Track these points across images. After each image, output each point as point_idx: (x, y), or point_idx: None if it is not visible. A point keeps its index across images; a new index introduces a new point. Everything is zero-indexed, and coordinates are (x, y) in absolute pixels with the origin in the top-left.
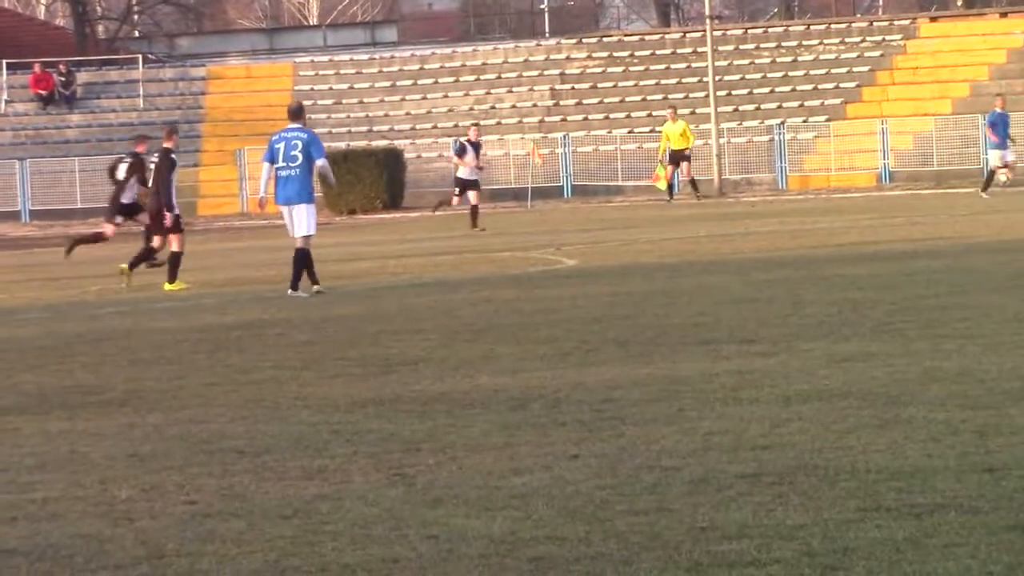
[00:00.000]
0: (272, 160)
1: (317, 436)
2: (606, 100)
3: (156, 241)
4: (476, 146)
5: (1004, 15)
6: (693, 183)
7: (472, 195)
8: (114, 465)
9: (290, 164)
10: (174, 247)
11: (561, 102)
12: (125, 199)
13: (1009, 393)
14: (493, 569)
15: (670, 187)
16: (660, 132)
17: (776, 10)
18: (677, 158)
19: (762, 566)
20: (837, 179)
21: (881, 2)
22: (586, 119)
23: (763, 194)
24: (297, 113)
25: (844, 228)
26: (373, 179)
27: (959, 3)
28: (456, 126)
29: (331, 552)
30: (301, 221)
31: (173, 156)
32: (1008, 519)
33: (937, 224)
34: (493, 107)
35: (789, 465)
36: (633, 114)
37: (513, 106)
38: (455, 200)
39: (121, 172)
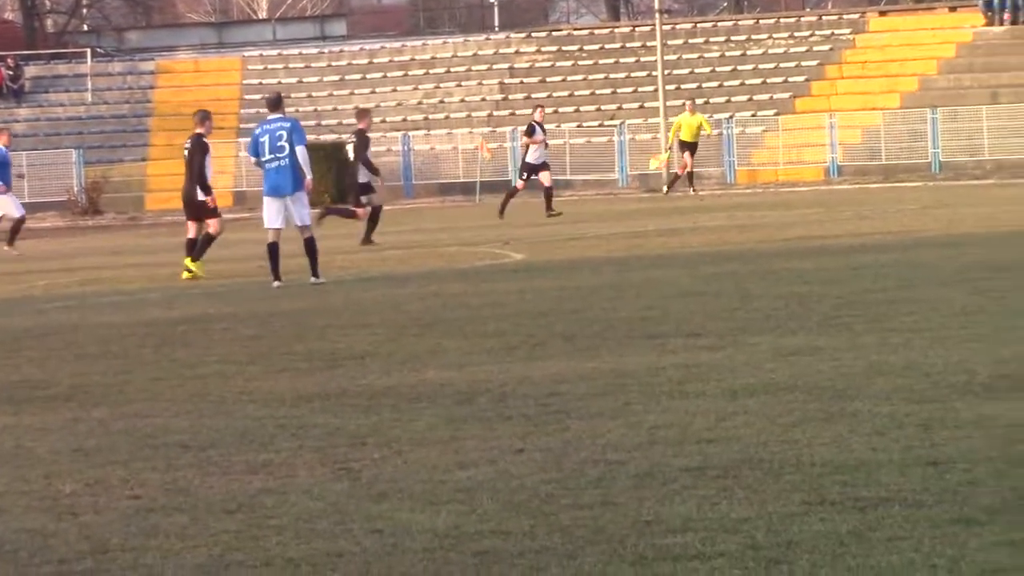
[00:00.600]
0: (257, 154)
1: (262, 430)
2: (555, 94)
3: (211, 226)
4: (541, 127)
5: (953, 9)
6: (691, 177)
7: (545, 176)
8: (59, 460)
9: (278, 155)
10: (211, 230)
11: (510, 96)
12: (361, 178)
13: (955, 387)
14: (437, 563)
15: (681, 178)
16: (672, 122)
17: (725, 4)
18: (686, 148)
19: (707, 559)
20: (785, 173)
21: None
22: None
23: (711, 188)
24: (277, 103)
25: (792, 222)
26: (321, 173)
27: None
28: (404, 120)
29: (275, 546)
30: (299, 211)
31: (206, 141)
32: (952, 512)
33: (885, 218)
34: (442, 101)
35: (734, 459)
36: (582, 108)
37: (462, 100)
38: (520, 185)
39: (350, 152)
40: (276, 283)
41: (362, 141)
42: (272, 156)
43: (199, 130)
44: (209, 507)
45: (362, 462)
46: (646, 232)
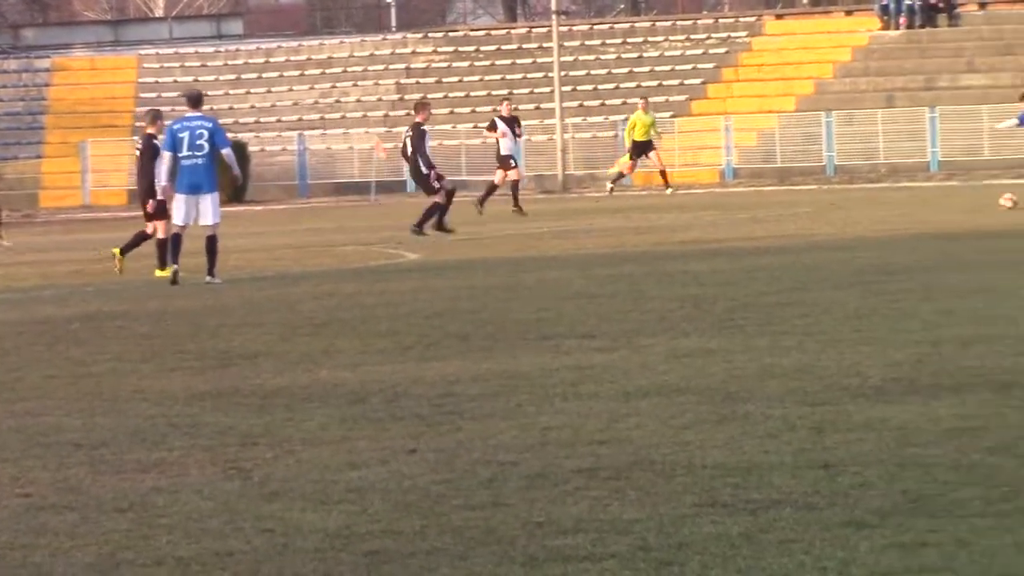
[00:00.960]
0: (174, 149)
1: (155, 429)
2: (451, 95)
3: (149, 228)
4: (512, 120)
5: (850, 13)
6: (664, 174)
7: (514, 172)
8: None
9: (196, 153)
10: (159, 233)
11: (406, 96)
12: (424, 169)
13: (847, 389)
14: (328, 563)
15: (620, 176)
16: (628, 120)
17: (622, 6)
18: (641, 149)
19: (597, 560)
20: (681, 175)
21: None
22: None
23: (607, 190)
24: (198, 100)
25: (687, 224)
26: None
27: (805, 1)
28: (300, 120)
29: (166, 545)
30: (208, 210)
31: (156, 142)
32: (843, 515)
33: (779, 221)
34: (338, 101)
35: (626, 460)
36: (478, 109)
37: (358, 100)
38: (500, 179)
39: (408, 145)
40: (174, 266)
41: (419, 134)
42: (190, 153)
43: (150, 130)
44: (100, 505)
45: (254, 461)
46: (541, 233)
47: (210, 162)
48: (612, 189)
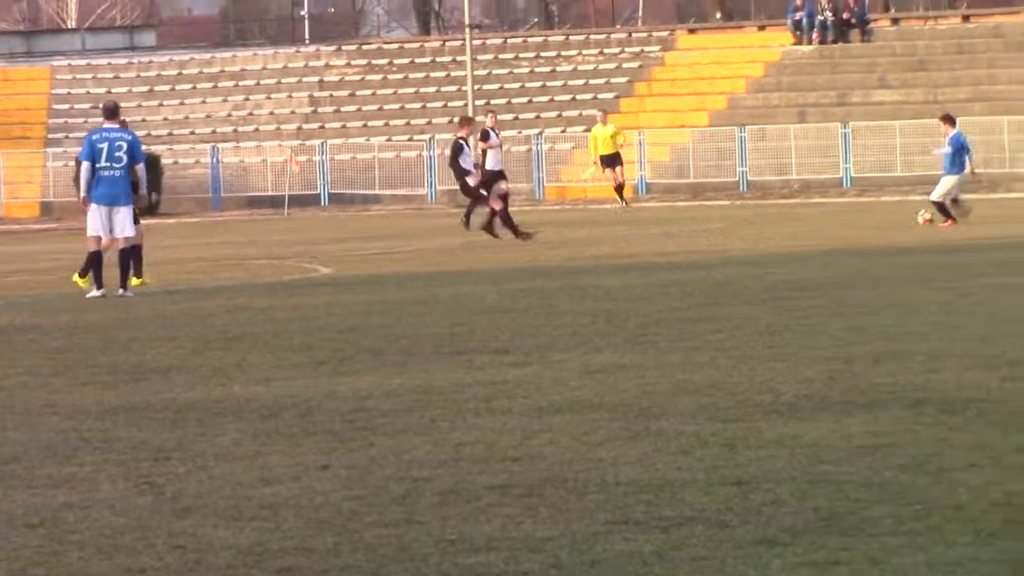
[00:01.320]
0: (93, 159)
1: (66, 444)
2: (364, 108)
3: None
4: (495, 132)
5: (762, 28)
6: (620, 190)
7: (504, 185)
8: None
9: (114, 164)
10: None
11: (319, 109)
12: (471, 181)
13: (759, 406)
14: None
15: (619, 188)
16: (589, 134)
17: (536, 20)
18: (609, 162)
19: None
20: (594, 190)
21: (640, 13)
22: (344, 127)
23: (520, 204)
24: (114, 112)
25: (600, 239)
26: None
27: (718, 16)
28: (214, 132)
29: (77, 561)
30: (124, 222)
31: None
32: (756, 533)
33: (692, 236)
34: (251, 113)
35: (539, 477)
36: (391, 122)
37: (271, 113)
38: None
39: (466, 161)
40: (97, 292)
41: (455, 148)
42: (108, 164)
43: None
44: (10, 521)
45: (166, 476)
46: (454, 248)
47: (127, 175)
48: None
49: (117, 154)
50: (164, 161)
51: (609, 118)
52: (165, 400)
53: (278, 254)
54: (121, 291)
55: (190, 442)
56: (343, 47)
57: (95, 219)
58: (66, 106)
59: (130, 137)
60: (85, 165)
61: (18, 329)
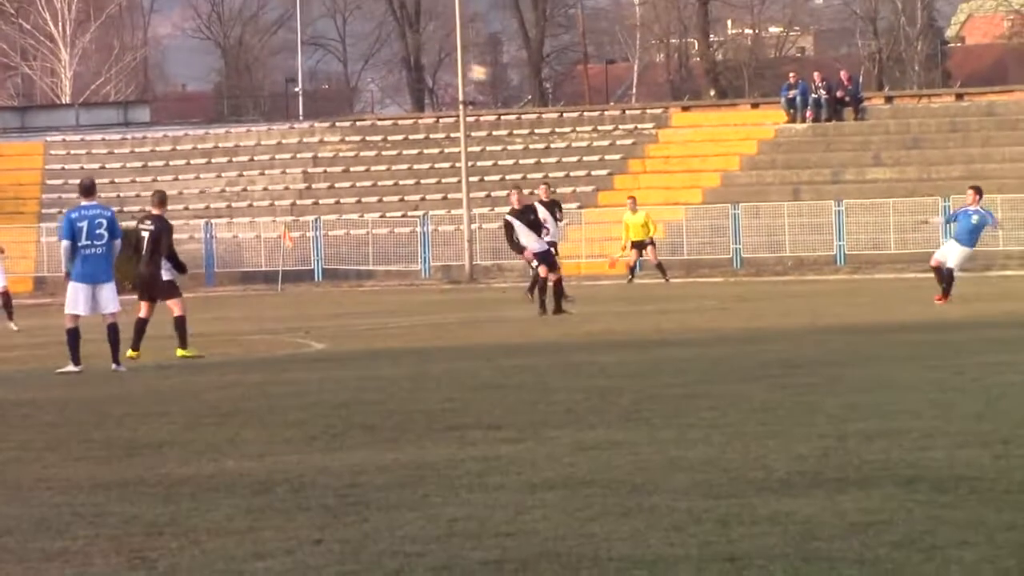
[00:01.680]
0: (73, 238)
1: (59, 518)
2: (359, 184)
3: (178, 307)
4: (552, 205)
5: (755, 106)
6: (660, 267)
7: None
8: None
9: (95, 242)
10: (178, 311)
11: (313, 185)
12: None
13: (752, 482)
14: None
15: (631, 268)
16: (622, 223)
17: (530, 97)
18: (640, 246)
19: None
20: (588, 266)
21: (634, 91)
22: (338, 203)
23: (514, 280)
24: (90, 189)
25: (594, 315)
26: (122, 260)
27: (711, 93)
28: (207, 208)
29: None
30: (108, 299)
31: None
32: None
33: (686, 313)
34: (245, 189)
35: (533, 552)
36: (385, 198)
37: (265, 188)
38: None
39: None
40: (76, 367)
41: (506, 225)
42: (89, 242)
43: (158, 211)
44: None
45: (159, 551)
46: (447, 323)
47: (108, 252)
48: (632, 279)
49: (98, 231)
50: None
51: (639, 205)
52: (158, 475)
53: (271, 329)
54: (114, 366)
55: (183, 517)
56: (337, 123)
57: (78, 296)
58: (60, 181)
59: (109, 214)
60: (66, 244)
61: (12, 404)
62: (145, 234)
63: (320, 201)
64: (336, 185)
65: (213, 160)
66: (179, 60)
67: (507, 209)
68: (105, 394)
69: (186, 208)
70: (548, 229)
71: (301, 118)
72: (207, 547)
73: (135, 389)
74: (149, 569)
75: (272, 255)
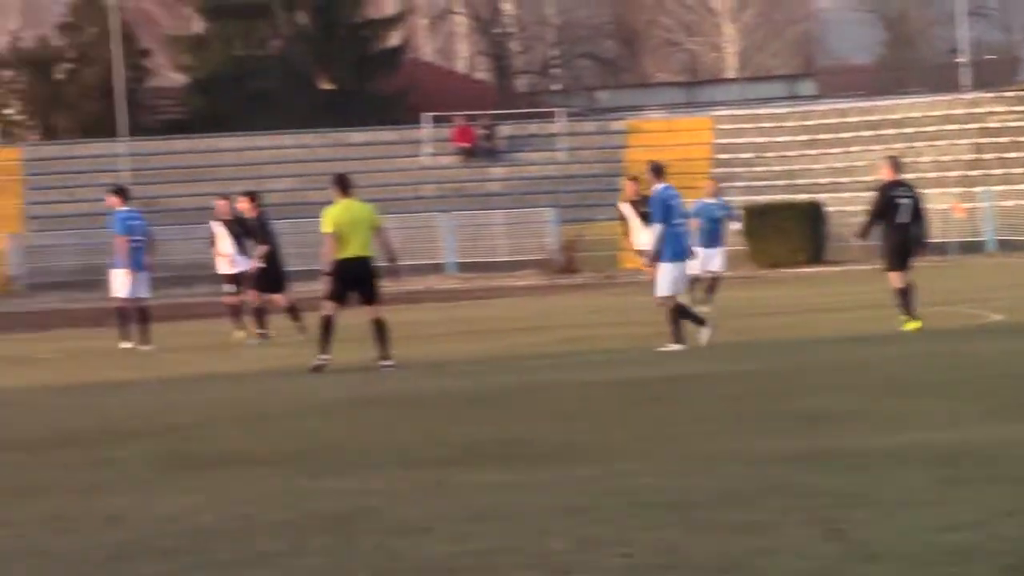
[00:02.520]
0: (665, 219)
1: (747, 490)
2: None
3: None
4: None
5: None
6: None
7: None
8: (549, 517)
9: (682, 221)
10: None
11: (982, 156)
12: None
13: None
14: None
15: None
16: None
17: None
18: None
19: None
20: None
21: None
22: (1007, 173)
23: None
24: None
25: None
26: (797, 232)
27: None
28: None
29: None
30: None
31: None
32: None
33: None
34: (913, 161)
35: None
36: None
37: (933, 160)
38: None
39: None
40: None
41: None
42: (680, 221)
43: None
44: (699, 566)
45: (850, 522)
46: None
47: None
48: None
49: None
50: (828, 210)
51: None
52: (842, 447)
53: (946, 300)
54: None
55: (871, 488)
56: (1002, 93)
57: (674, 277)
58: (728, 155)
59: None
60: (658, 227)
61: (688, 377)
62: (905, 201)
63: (990, 172)
64: (1004, 155)
65: (879, 132)
66: (841, 33)
67: None
68: (789, 366)
69: (855, 181)
70: None
71: (965, 88)
72: (897, 518)
73: (818, 361)
74: (842, 540)
75: (945, 226)
